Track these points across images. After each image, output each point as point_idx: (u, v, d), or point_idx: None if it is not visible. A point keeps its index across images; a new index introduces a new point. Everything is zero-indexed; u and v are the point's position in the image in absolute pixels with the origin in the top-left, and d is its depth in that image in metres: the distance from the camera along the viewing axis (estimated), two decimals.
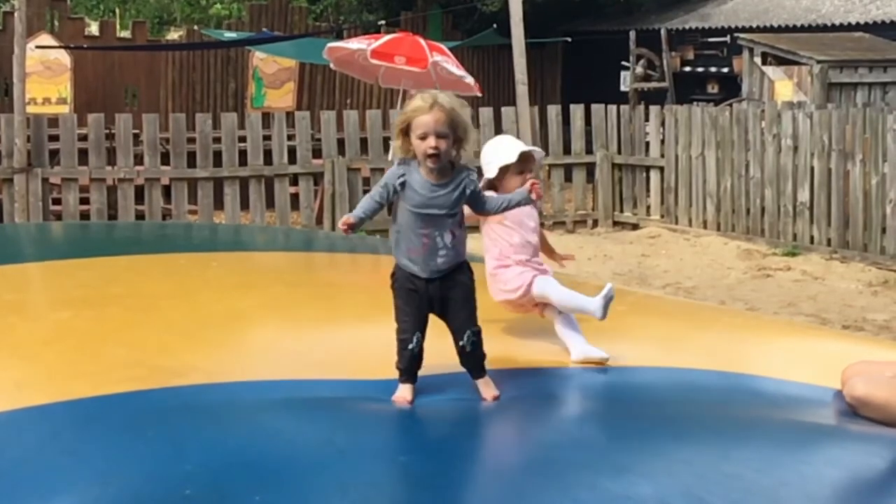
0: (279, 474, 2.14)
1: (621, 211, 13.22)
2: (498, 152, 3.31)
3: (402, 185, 2.80)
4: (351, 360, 3.02)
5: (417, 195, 2.79)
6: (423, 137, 2.77)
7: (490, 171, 3.30)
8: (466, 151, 2.86)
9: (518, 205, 3.03)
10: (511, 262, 3.29)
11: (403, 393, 2.75)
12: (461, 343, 2.83)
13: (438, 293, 2.82)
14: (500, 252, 3.30)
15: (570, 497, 2.18)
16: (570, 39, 17.01)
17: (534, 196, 3.00)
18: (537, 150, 3.38)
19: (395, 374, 2.79)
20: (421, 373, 2.81)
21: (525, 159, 3.29)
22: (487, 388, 2.81)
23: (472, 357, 2.84)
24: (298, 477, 2.15)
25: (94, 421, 2.44)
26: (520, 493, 2.15)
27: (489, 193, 3.04)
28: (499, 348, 3.14)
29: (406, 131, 2.82)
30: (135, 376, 2.65)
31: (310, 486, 2.12)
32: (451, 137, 2.79)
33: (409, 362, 2.78)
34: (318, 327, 3.44)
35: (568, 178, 13.21)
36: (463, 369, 2.85)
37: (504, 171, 3.28)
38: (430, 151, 2.76)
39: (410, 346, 2.78)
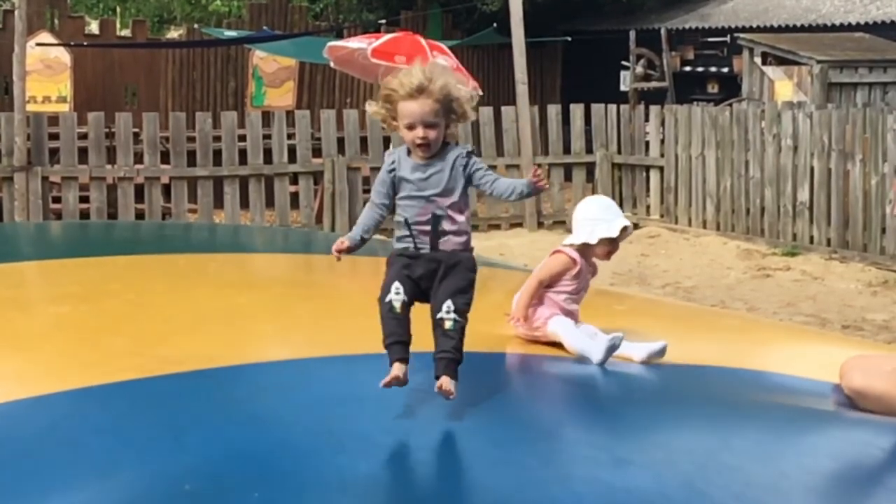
0: (278, 468, 2.14)
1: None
2: (599, 218, 3.25)
3: (394, 174, 2.62)
4: (350, 345, 3.00)
5: (408, 181, 2.62)
6: (411, 127, 2.58)
7: (589, 237, 3.23)
8: (465, 122, 2.67)
9: (522, 194, 2.72)
10: (542, 303, 3.26)
11: (393, 372, 2.45)
12: (438, 315, 2.51)
13: (430, 265, 2.56)
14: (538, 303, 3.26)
15: (570, 490, 2.17)
16: (570, 39, 17.01)
17: (537, 186, 2.68)
18: (630, 226, 3.30)
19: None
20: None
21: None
22: (448, 384, 2.45)
23: (448, 339, 2.49)
24: (298, 471, 2.14)
25: (93, 411, 2.43)
26: (519, 487, 2.14)
27: (502, 179, 2.72)
28: (493, 332, 3.14)
29: (390, 106, 2.61)
30: (133, 365, 2.65)
31: (309, 481, 2.12)
32: (442, 124, 2.59)
33: (390, 323, 2.49)
34: (317, 321, 3.44)
35: (568, 178, 13.21)
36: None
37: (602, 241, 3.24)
38: (419, 142, 2.59)
39: (388, 299, 2.51)
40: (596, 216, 3.27)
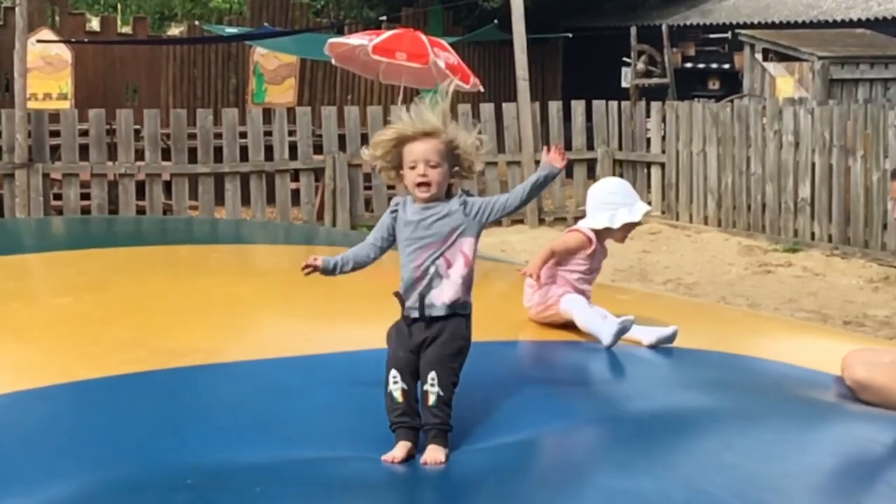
0: (279, 463, 2.13)
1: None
2: (620, 202, 3.25)
3: (395, 216, 2.55)
4: (353, 339, 3.00)
5: (408, 222, 2.53)
6: (413, 167, 2.51)
7: (611, 221, 3.23)
8: (470, 179, 2.60)
9: (547, 178, 2.62)
10: (556, 282, 3.27)
11: (395, 451, 2.33)
12: (424, 387, 2.41)
13: (423, 335, 2.47)
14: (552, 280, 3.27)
15: (570, 494, 2.16)
16: (570, 35, 16.99)
17: (560, 164, 2.61)
18: (649, 209, 3.33)
19: None
20: None
21: None
22: (434, 453, 2.34)
23: (432, 414, 2.38)
24: (298, 466, 2.14)
25: (95, 403, 2.43)
26: (519, 492, 2.13)
27: (495, 197, 2.61)
28: (502, 320, 3.13)
29: (395, 151, 2.53)
30: (135, 358, 2.65)
31: (310, 477, 2.11)
32: (445, 168, 2.52)
33: (393, 412, 2.39)
34: (318, 310, 3.43)
35: (569, 175, 13.17)
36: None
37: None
38: (420, 180, 2.50)
39: (388, 390, 2.42)
40: (616, 200, 3.27)
